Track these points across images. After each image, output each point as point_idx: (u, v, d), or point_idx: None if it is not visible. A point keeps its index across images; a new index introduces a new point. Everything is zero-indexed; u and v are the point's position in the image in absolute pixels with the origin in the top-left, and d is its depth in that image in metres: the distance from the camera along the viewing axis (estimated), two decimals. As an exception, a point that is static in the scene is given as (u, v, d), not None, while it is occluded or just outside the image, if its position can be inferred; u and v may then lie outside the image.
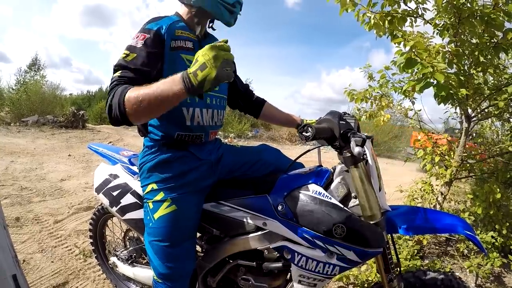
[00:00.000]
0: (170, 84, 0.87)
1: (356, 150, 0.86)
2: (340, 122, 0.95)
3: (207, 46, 0.85)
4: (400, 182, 3.29)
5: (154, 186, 1.14)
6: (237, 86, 1.46)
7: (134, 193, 1.38)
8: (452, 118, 2.79)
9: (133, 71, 1.01)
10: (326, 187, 1.04)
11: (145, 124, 1.18)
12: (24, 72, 14.62)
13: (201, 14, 1.17)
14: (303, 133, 0.78)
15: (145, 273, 1.57)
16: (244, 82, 1.54)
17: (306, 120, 1.52)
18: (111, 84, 0.98)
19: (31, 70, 15.33)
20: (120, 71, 1.00)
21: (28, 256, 2.27)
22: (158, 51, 1.07)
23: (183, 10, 1.22)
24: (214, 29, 1.30)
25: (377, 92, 2.62)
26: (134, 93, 0.89)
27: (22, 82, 13.31)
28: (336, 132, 0.94)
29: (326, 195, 1.00)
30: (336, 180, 1.03)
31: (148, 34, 1.07)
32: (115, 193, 1.42)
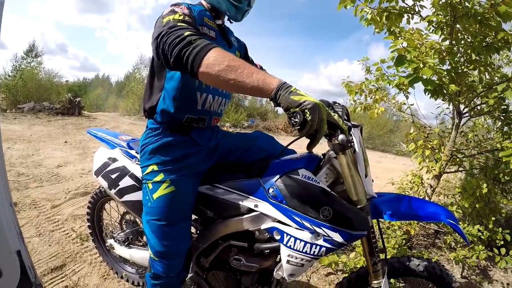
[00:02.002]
0: (263, 76, 0.85)
1: (340, 137, 0.91)
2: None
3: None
4: (393, 175, 3.36)
5: (155, 167, 1.18)
6: None
7: (132, 176, 1.42)
8: (445, 114, 2.84)
9: (191, 25, 1.01)
10: (316, 172, 1.09)
11: (153, 105, 1.22)
12: (20, 58, 14.43)
13: (213, 9, 1.24)
14: (292, 119, 0.79)
15: (141, 254, 1.63)
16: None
17: None
18: (172, 29, 0.95)
19: (28, 56, 15.14)
20: (178, 24, 0.98)
21: (26, 240, 2.31)
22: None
23: (205, 1, 1.27)
24: (231, 22, 1.32)
25: (373, 85, 2.67)
26: (222, 55, 0.87)
27: (18, 69, 13.16)
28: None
29: (315, 180, 1.05)
30: (325, 166, 1.08)
31: (187, 8, 1.09)
32: (113, 176, 1.47)
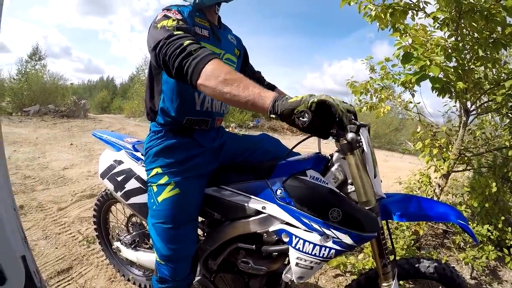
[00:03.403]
0: (258, 90, 0.84)
1: (350, 136, 0.89)
2: None
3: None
4: (400, 174, 3.33)
5: (159, 170, 1.17)
6: (248, 74, 1.49)
7: (138, 178, 1.42)
8: (452, 112, 2.80)
9: (187, 30, 1.02)
10: (324, 173, 1.07)
11: (154, 108, 1.22)
12: (25, 62, 14.55)
13: (197, 7, 1.20)
14: (300, 118, 0.76)
15: (148, 257, 1.62)
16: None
17: None
18: (170, 39, 0.95)
19: (32, 59, 15.26)
20: (175, 33, 0.98)
21: (33, 243, 2.32)
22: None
23: None
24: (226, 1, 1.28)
25: (378, 84, 2.65)
26: (219, 68, 0.88)
27: (23, 72, 13.28)
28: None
29: (323, 180, 1.03)
30: (334, 167, 1.06)
31: (178, 12, 1.08)
32: (119, 178, 1.46)
